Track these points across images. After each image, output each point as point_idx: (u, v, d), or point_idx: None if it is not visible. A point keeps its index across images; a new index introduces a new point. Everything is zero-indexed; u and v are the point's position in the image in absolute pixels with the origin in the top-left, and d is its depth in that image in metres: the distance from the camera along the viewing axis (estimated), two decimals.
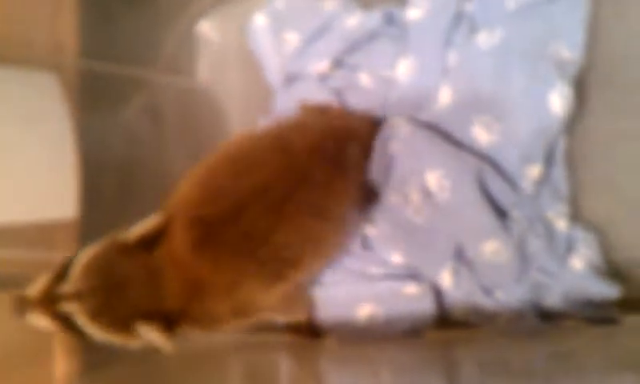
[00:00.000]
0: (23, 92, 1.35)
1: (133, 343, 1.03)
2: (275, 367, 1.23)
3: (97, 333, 1.00)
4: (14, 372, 1.31)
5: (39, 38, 1.52)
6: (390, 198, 1.20)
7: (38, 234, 1.37)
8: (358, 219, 1.23)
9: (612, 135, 1.12)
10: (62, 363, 1.39)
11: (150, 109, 1.62)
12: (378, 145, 1.21)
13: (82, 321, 0.98)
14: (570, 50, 1.11)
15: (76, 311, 0.98)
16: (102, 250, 1.03)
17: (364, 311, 1.21)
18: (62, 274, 1.00)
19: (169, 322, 1.02)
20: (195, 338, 1.16)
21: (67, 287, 0.99)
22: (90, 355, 1.44)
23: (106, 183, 1.48)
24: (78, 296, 0.98)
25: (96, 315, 0.98)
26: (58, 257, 1.38)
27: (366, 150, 1.21)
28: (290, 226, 1.07)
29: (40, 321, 0.99)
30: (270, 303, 1.14)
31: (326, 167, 1.12)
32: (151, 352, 1.08)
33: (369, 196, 1.22)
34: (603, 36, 1.12)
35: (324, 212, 1.12)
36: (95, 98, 1.53)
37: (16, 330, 1.37)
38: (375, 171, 1.21)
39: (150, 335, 1.00)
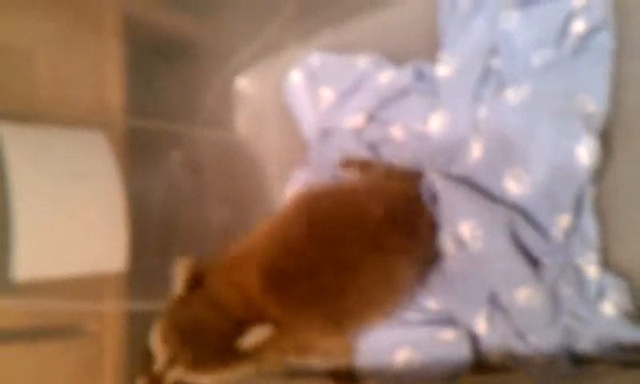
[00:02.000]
0: (73, 150, 1.42)
1: (243, 369, 1.08)
2: None
3: (210, 379, 1.05)
4: None
5: (86, 99, 1.60)
6: None
7: (84, 285, 1.43)
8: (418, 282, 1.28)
9: (638, 184, 1.13)
10: None
11: (191, 161, 1.69)
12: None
13: (191, 377, 1.04)
14: (595, 104, 1.14)
15: (181, 373, 1.03)
16: (164, 318, 1.09)
17: (401, 356, 1.24)
18: (148, 361, 1.06)
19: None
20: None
21: (159, 363, 1.05)
22: None
23: (148, 234, 1.53)
24: (172, 362, 1.03)
25: (196, 365, 1.04)
26: (105, 307, 1.44)
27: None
28: (359, 288, 1.14)
29: None
30: (327, 347, 1.20)
31: (397, 236, 1.19)
32: None
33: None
34: (627, 89, 1.15)
35: (391, 280, 1.19)
36: (138, 152, 1.60)
37: (65, 376, 1.43)
38: None
39: (253, 337, 1.05)
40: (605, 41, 1.16)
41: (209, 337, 1.06)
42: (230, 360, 1.06)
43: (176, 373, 1.03)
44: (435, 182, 1.24)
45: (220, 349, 1.05)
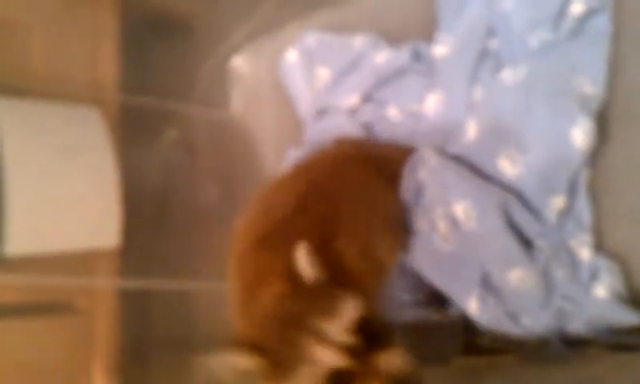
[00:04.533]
0: (68, 126, 1.41)
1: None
2: None
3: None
4: None
5: (81, 75, 1.59)
6: (419, 224, 1.25)
7: (76, 262, 1.43)
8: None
9: (633, 167, 1.13)
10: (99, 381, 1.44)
11: (185, 140, 1.68)
12: (407, 169, 1.27)
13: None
14: (591, 85, 1.14)
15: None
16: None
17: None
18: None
19: None
20: None
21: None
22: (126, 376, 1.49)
23: (141, 211, 1.53)
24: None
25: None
26: (96, 284, 1.44)
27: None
28: (342, 209, 1.17)
29: None
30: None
31: (359, 170, 1.26)
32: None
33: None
34: (624, 71, 1.14)
35: (366, 202, 1.23)
36: (133, 130, 1.59)
37: (57, 352, 1.43)
38: (405, 193, 1.27)
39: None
40: (602, 23, 1.16)
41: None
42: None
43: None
44: (430, 158, 1.24)
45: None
